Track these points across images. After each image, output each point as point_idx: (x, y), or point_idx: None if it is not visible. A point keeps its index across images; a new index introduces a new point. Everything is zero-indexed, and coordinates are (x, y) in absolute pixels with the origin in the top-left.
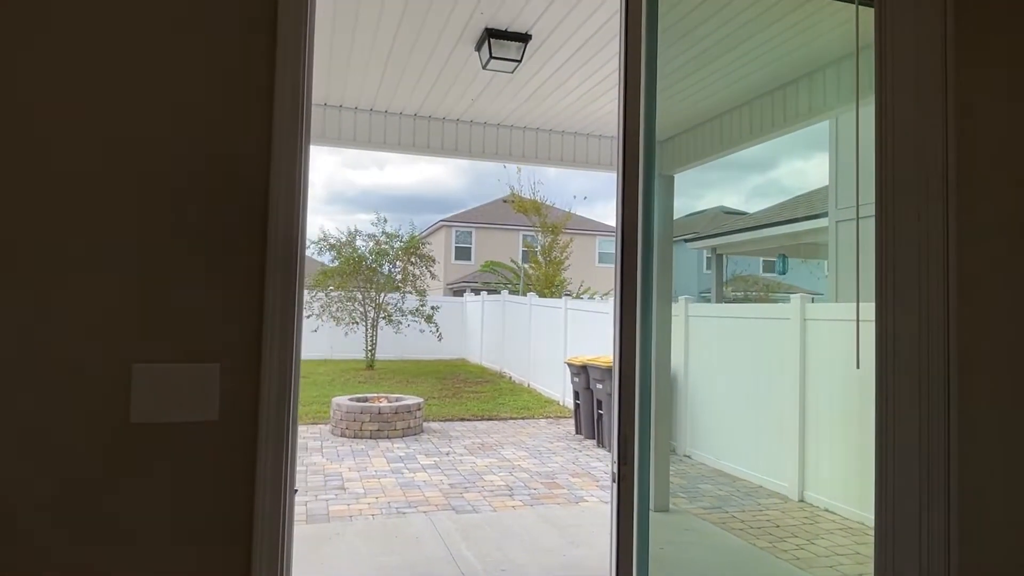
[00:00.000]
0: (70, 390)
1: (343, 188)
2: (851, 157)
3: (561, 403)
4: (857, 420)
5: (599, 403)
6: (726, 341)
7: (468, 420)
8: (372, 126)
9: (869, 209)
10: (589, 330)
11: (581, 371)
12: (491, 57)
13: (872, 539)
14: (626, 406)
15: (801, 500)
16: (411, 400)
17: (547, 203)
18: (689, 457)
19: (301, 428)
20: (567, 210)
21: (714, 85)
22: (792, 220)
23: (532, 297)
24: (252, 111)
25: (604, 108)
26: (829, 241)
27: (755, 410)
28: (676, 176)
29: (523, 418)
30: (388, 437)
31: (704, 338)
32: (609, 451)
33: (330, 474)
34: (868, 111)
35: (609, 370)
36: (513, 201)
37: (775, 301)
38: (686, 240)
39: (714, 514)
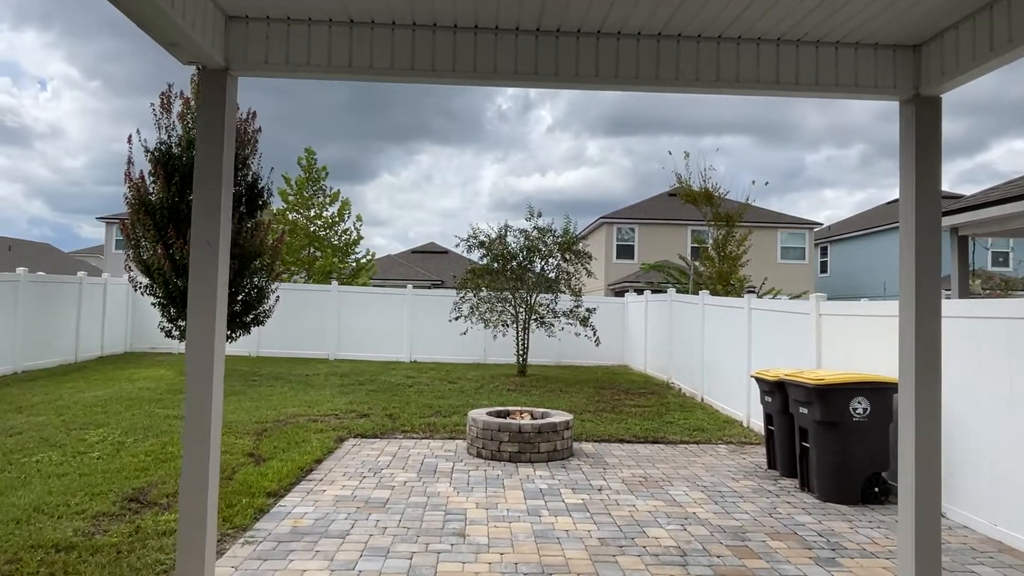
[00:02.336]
0: None
1: (506, 195)
2: None
3: (744, 424)
4: None
5: (803, 432)
6: (1012, 356)
7: (628, 442)
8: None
9: None
10: (779, 336)
11: (775, 389)
12: None
13: None
14: None
15: None
16: (558, 418)
17: (720, 192)
18: (944, 516)
19: (436, 443)
20: (743, 200)
21: None
22: None
23: (705, 296)
24: None
25: None
26: None
27: None
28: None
29: (696, 442)
30: (530, 461)
31: (965, 349)
32: (819, 496)
33: (452, 511)
34: None
35: (822, 391)
36: (681, 191)
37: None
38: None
39: None
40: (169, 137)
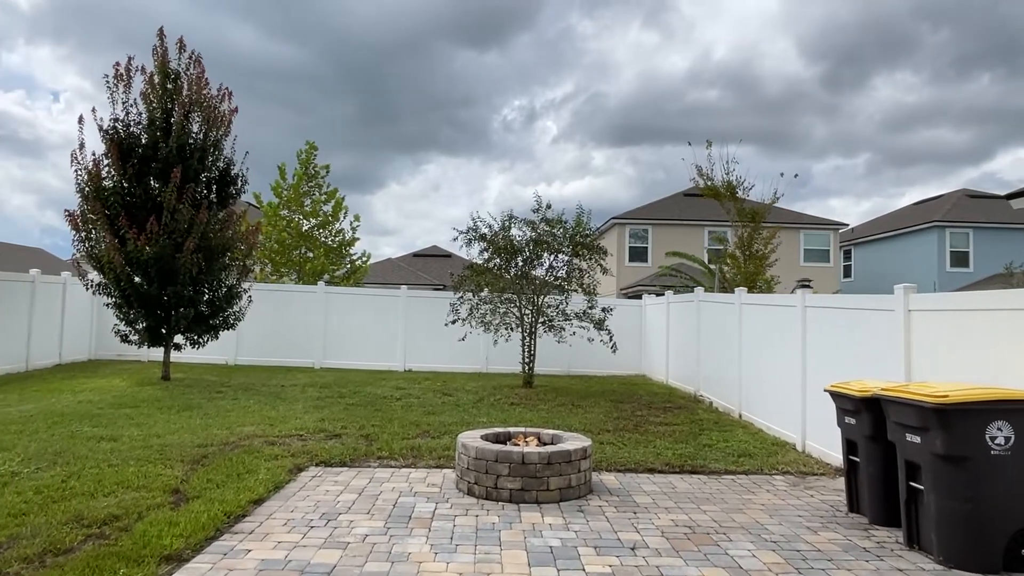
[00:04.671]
0: None
1: (513, 204)
2: None
3: (799, 448)
4: None
5: (911, 468)
6: None
7: (660, 472)
8: None
9: None
10: (845, 341)
11: (864, 408)
12: None
13: None
14: None
15: None
16: (572, 443)
17: (744, 185)
18: None
19: (418, 474)
20: (765, 198)
21: None
22: None
23: (742, 293)
24: None
25: None
26: None
27: None
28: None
29: (745, 472)
30: (537, 501)
31: None
32: (942, 559)
33: None
34: None
35: (947, 412)
36: (702, 183)
37: None
38: (1009, 197)
39: None
40: (127, 115)
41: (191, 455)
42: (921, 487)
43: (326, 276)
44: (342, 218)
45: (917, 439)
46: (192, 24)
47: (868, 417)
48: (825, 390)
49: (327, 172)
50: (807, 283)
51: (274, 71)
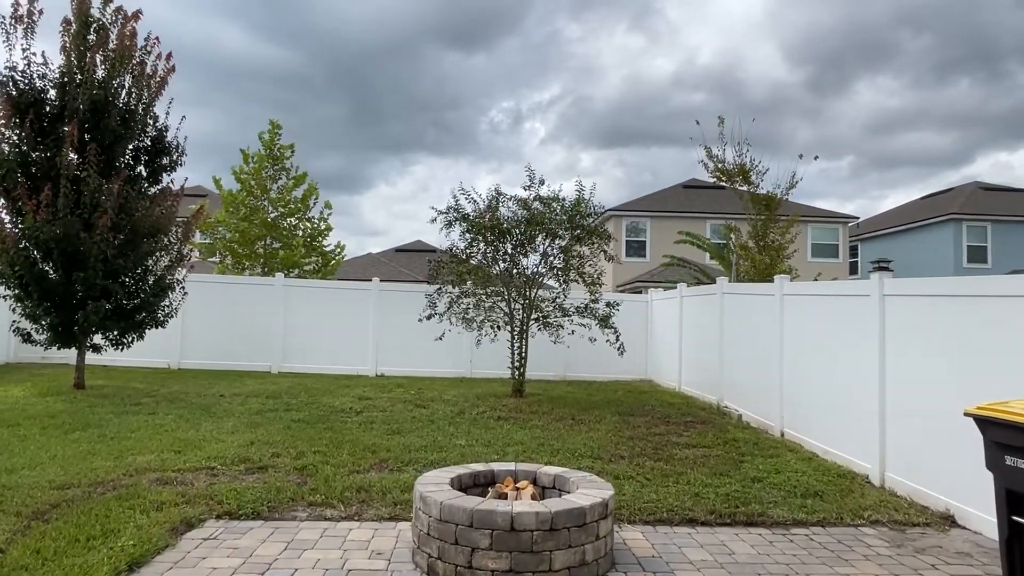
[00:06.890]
0: None
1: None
2: None
3: (877, 483)
4: None
5: None
6: None
7: (704, 524)
8: None
9: None
10: (945, 340)
11: None
12: None
13: None
14: None
15: None
16: (586, 495)
17: (758, 167)
18: None
19: (361, 532)
20: (781, 187)
21: None
22: None
23: (785, 282)
24: None
25: None
26: None
27: None
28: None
29: (820, 523)
30: None
31: None
32: None
33: None
34: None
35: None
36: (712, 166)
37: None
38: None
39: None
40: (29, 65)
41: (39, 502)
42: None
43: (296, 271)
44: (312, 205)
45: None
46: (180, 25)
47: None
48: (967, 414)
49: (292, 152)
50: (886, 264)
51: (263, 72)
